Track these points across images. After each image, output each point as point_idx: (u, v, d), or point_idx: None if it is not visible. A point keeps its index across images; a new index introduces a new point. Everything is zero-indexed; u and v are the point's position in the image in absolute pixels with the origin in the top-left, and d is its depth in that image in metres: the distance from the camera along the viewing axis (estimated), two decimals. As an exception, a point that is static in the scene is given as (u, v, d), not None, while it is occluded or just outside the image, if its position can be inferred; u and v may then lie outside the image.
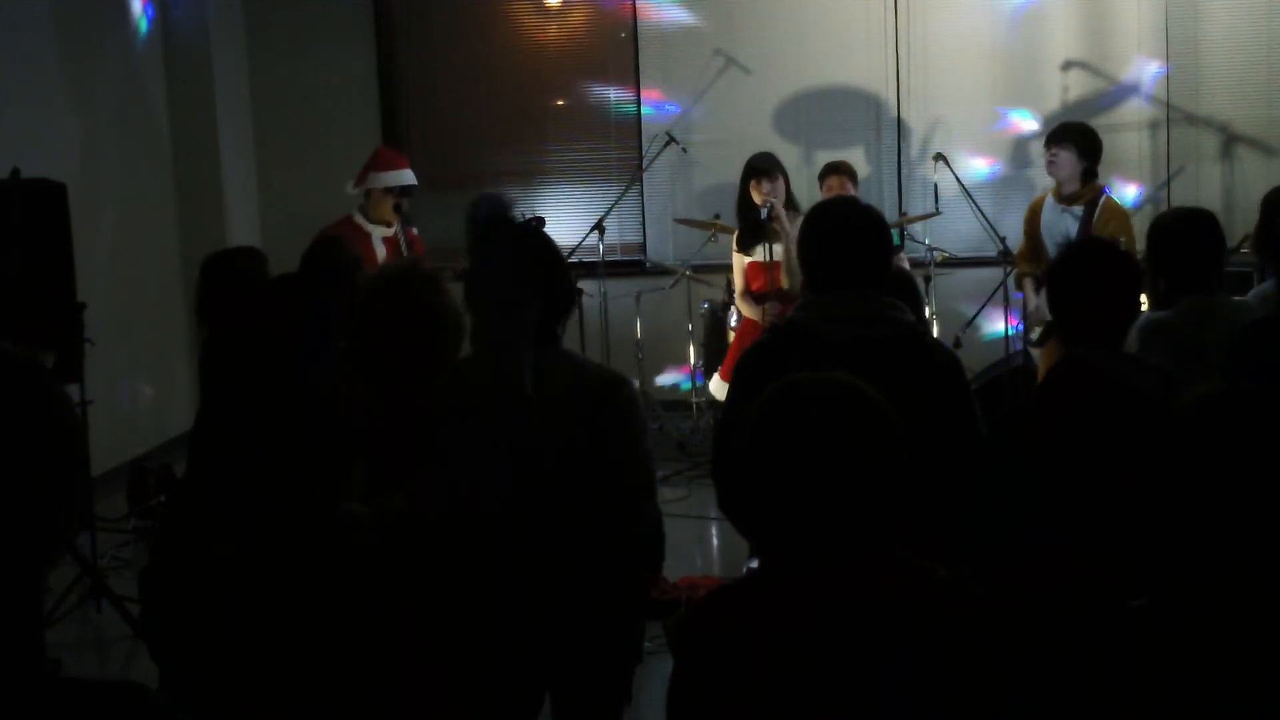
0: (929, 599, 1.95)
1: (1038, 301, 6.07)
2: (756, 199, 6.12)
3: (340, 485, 2.41)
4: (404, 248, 6.30)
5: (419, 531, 2.47)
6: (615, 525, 2.98)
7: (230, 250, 4.64)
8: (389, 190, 6.33)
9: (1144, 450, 2.02)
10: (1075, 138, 6.11)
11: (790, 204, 6.20)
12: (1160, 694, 1.86)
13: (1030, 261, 6.29)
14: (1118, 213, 6.06)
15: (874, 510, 1.95)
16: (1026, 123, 8.24)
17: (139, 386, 7.93)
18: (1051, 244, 6.04)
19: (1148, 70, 8.12)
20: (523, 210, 2.87)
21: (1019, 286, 6.50)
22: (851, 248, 3.09)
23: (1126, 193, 7.98)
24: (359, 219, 6.34)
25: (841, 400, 1.97)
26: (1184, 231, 4.01)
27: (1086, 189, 6.08)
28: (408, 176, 6.41)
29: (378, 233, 6.30)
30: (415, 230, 6.53)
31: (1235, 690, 1.82)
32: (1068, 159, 6.06)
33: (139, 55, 8.20)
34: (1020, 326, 6.77)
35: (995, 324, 7.50)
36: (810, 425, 1.94)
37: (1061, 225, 6.07)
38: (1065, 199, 6.11)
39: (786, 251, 6.00)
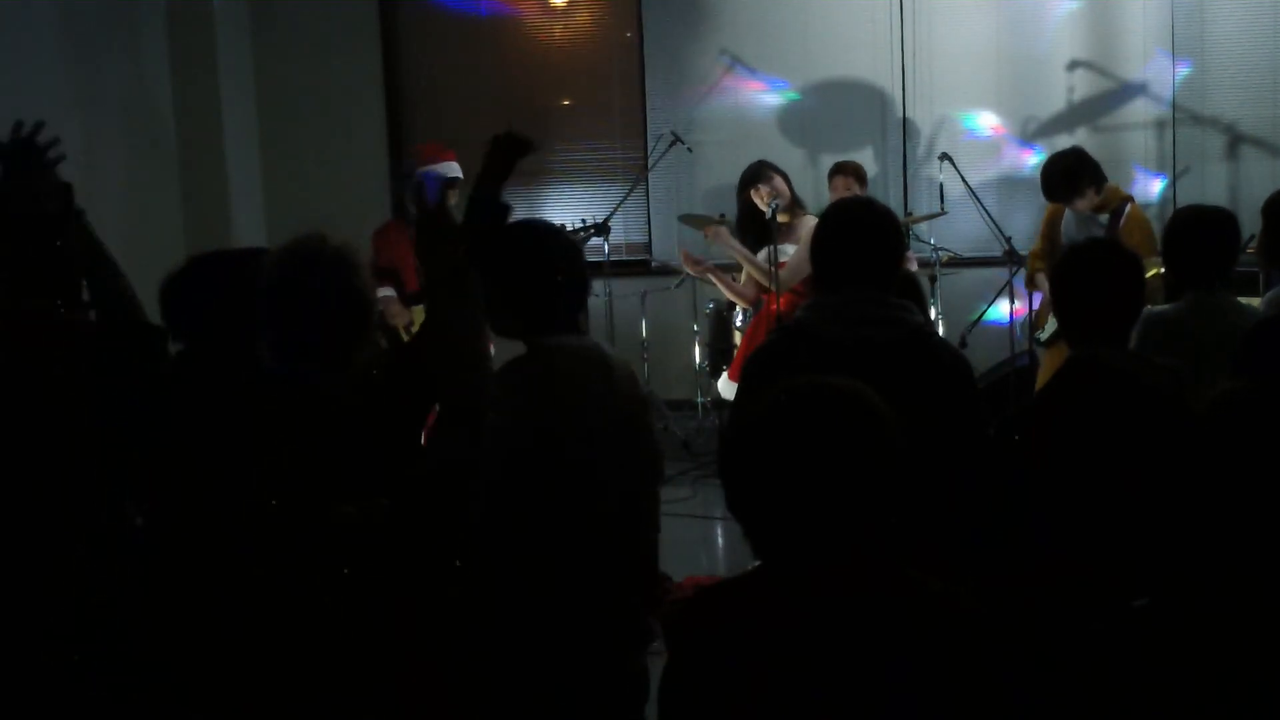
0: (923, 601, 1.95)
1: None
2: (760, 204, 6.13)
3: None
4: None
5: (409, 532, 2.41)
6: (624, 514, 2.98)
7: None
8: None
9: (1158, 446, 2.01)
10: (1090, 181, 5.95)
11: (796, 203, 6.19)
12: (1162, 694, 1.85)
13: (1046, 259, 6.25)
14: (1142, 224, 5.95)
15: (869, 513, 1.95)
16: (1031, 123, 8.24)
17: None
18: None
19: (1153, 70, 8.11)
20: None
21: (1031, 285, 6.43)
22: (860, 247, 3.05)
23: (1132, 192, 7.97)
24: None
25: (841, 404, 1.97)
26: (1195, 227, 4.03)
27: (1107, 197, 6.02)
28: (453, 169, 6.26)
29: None
30: None
31: (1237, 690, 1.81)
32: (1087, 201, 5.97)
33: (144, 55, 8.20)
34: (1019, 317, 6.74)
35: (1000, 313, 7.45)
36: (810, 429, 1.94)
37: (1084, 233, 6.01)
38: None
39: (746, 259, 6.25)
